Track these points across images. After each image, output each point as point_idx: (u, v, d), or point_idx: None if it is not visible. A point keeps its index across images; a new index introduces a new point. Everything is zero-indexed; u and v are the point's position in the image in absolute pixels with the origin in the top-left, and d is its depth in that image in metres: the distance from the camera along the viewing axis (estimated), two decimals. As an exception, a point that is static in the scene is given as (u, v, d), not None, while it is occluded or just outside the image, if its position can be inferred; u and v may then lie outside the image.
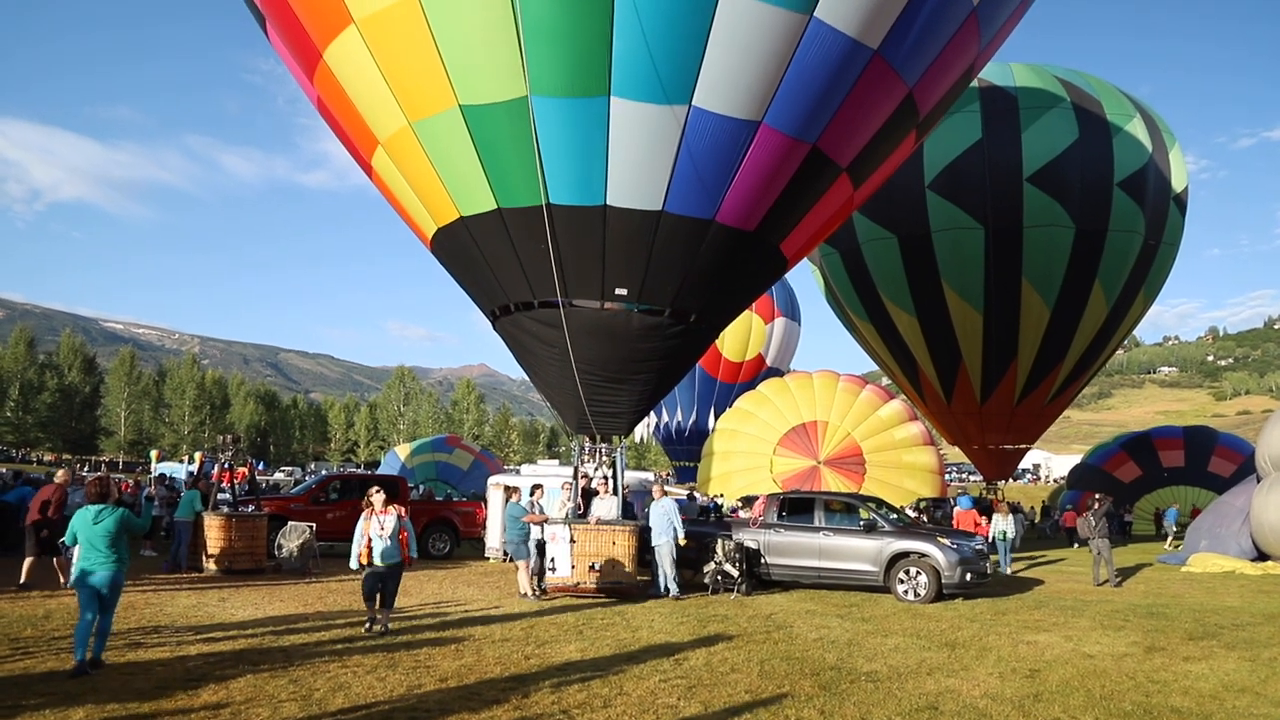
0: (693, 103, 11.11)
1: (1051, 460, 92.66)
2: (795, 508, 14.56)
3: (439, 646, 8.70)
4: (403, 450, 36.22)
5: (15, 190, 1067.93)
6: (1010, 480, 37.99)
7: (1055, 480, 74.34)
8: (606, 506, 13.62)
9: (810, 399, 27.12)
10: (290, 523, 15.75)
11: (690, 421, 42.43)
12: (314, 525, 15.69)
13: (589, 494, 14.12)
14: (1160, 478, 33.14)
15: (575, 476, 14.35)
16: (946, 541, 13.27)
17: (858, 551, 13.53)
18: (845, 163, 12.62)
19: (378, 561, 9.37)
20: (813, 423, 26.48)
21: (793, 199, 12.57)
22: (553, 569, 12.86)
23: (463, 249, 13.40)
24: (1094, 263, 23.65)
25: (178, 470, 36.94)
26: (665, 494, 13.97)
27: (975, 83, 24.31)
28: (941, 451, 30.49)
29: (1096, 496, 17.13)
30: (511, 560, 13.75)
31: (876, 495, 23.30)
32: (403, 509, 9.77)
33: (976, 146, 23.20)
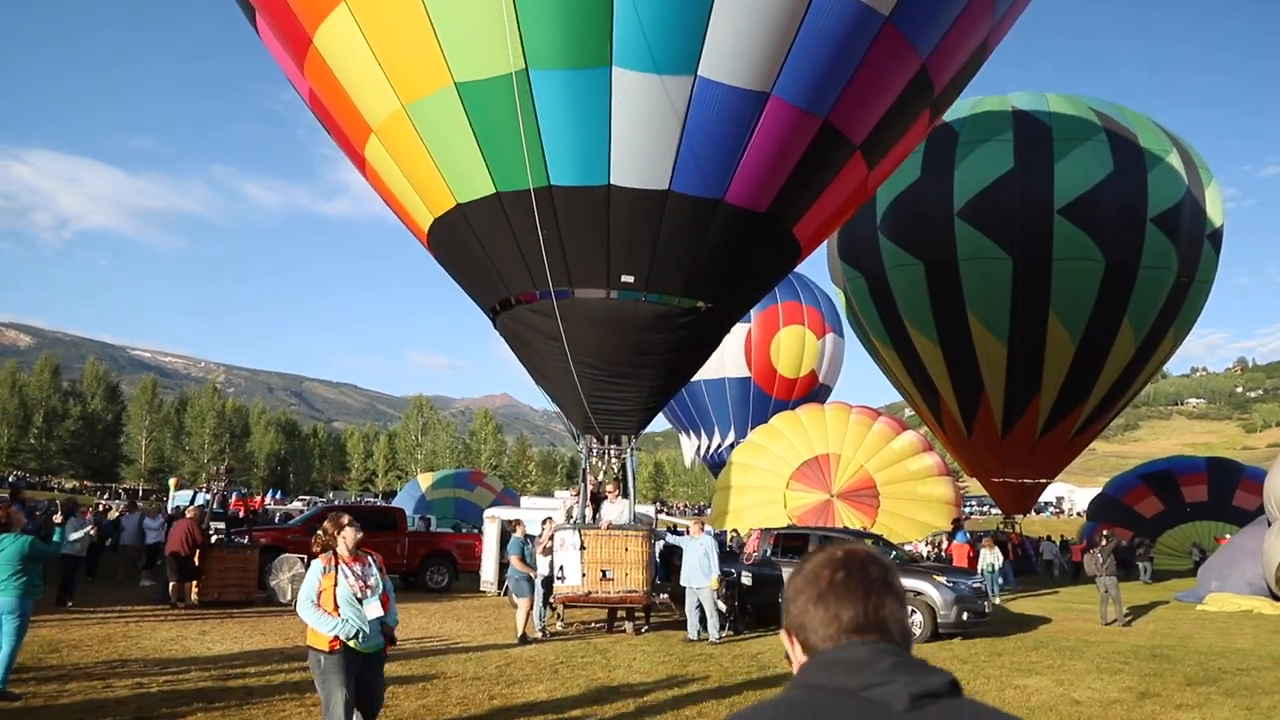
0: (699, 73, 10.43)
1: (1075, 493, 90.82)
2: (789, 544, 14.26)
3: (405, 684, 8.46)
4: (424, 480, 36.00)
5: (43, 219, 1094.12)
6: (1031, 513, 37.20)
7: (1078, 514, 72.94)
8: (617, 511, 12.90)
9: (822, 431, 26.71)
10: (283, 555, 15.65)
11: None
12: (306, 557, 15.54)
13: (597, 499, 13.44)
14: (1183, 513, 32.22)
15: (583, 480, 13.58)
16: (943, 579, 12.87)
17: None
18: (859, 140, 11.90)
19: (355, 644, 5.41)
20: (825, 455, 26.03)
21: (805, 178, 11.90)
22: (561, 578, 12.15)
23: (461, 241, 12.70)
24: (1124, 298, 23.14)
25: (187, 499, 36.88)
26: (703, 529, 13.29)
27: (1009, 109, 23.94)
28: (962, 484, 29.85)
29: (1105, 533, 16.65)
30: (508, 595, 13.31)
31: (890, 528, 22.93)
32: (379, 557, 5.88)
33: (1008, 176, 22.81)
